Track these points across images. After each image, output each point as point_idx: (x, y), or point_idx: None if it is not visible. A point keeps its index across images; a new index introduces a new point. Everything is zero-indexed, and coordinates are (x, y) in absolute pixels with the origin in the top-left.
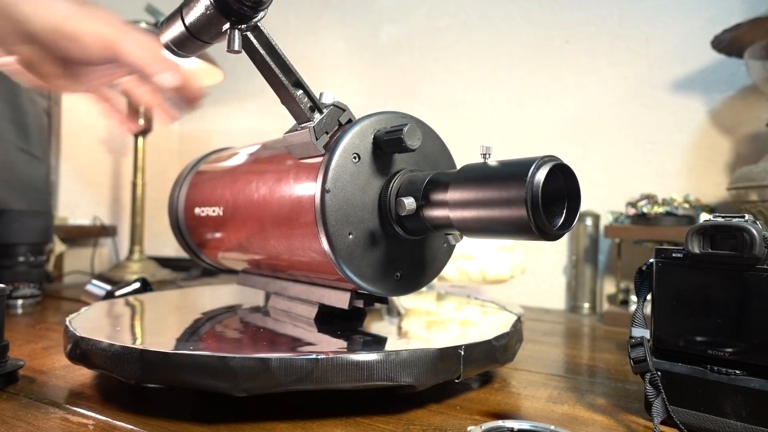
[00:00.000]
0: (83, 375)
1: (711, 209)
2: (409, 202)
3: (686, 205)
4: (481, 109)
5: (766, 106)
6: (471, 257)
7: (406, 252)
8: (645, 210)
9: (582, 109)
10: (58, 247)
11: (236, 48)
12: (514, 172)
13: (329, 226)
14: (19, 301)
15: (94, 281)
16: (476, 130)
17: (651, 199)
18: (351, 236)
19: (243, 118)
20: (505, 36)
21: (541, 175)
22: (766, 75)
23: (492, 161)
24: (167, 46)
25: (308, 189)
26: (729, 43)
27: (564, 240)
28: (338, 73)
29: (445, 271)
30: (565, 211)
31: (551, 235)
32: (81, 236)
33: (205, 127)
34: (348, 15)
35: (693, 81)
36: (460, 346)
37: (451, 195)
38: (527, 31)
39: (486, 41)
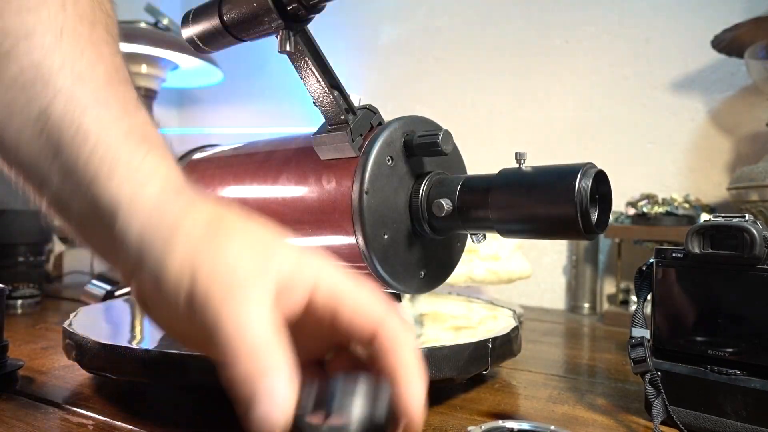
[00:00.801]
0: (82, 375)
1: (711, 209)
2: (447, 204)
3: (686, 205)
4: (481, 108)
5: (767, 106)
6: (497, 257)
7: (431, 251)
8: (645, 210)
9: (582, 109)
10: (58, 247)
11: (289, 49)
12: (562, 178)
13: (367, 227)
14: (19, 301)
15: (94, 281)
16: (476, 130)
17: (651, 199)
18: (386, 237)
19: (243, 118)
20: (505, 36)
21: (587, 182)
22: (766, 75)
23: (528, 167)
24: (191, 40)
25: (344, 190)
26: (729, 43)
27: (563, 240)
28: (338, 72)
29: (476, 273)
30: (598, 212)
31: (593, 234)
32: None
33: (204, 127)
34: (348, 15)
35: (693, 81)
36: (488, 339)
37: (494, 198)
38: (527, 31)
39: (486, 41)
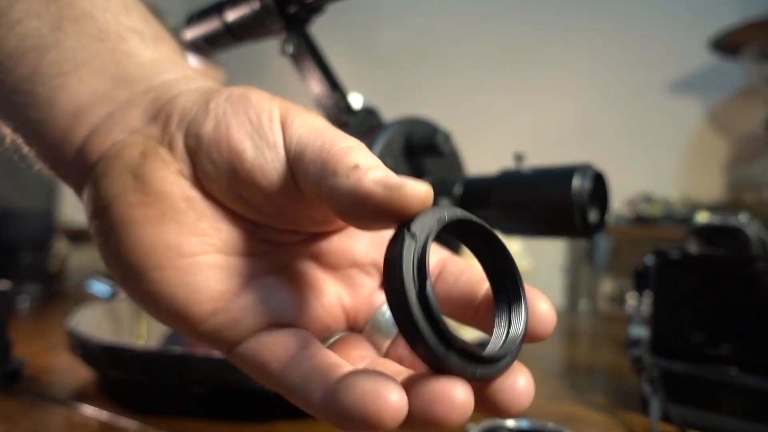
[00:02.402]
0: (86, 373)
1: (708, 209)
2: (445, 204)
3: (684, 206)
4: (481, 109)
5: (762, 108)
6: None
7: None
8: (643, 210)
9: (581, 110)
10: (62, 246)
11: (290, 51)
12: (560, 178)
13: None
14: (23, 300)
15: (99, 280)
16: (476, 131)
17: (649, 199)
18: None
19: None
20: (504, 37)
21: (585, 182)
22: (762, 77)
23: (527, 167)
24: (193, 42)
25: None
26: (726, 45)
27: (562, 239)
28: (339, 74)
29: None
30: (596, 212)
31: (591, 234)
32: (85, 236)
33: None
34: (348, 16)
35: (690, 82)
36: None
37: (494, 198)
38: (527, 32)
39: (485, 42)
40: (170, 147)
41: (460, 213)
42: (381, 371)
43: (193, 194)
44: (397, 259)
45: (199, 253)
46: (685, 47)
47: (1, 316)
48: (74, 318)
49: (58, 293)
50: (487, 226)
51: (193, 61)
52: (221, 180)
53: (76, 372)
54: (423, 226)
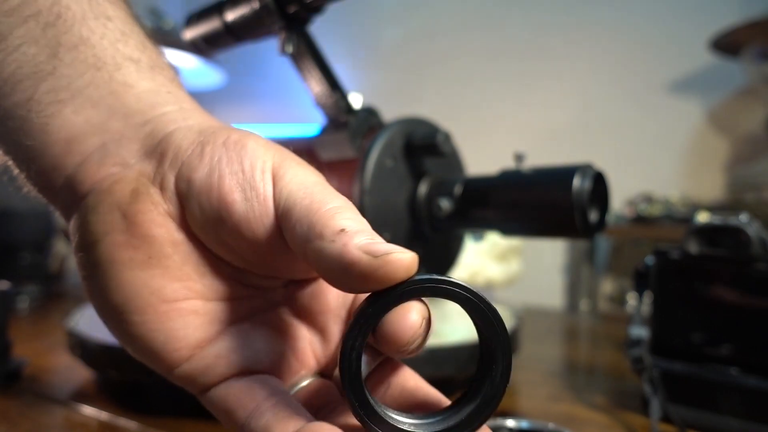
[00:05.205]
0: (86, 373)
1: (708, 209)
2: (446, 204)
3: (684, 206)
4: (481, 109)
5: (763, 108)
6: (505, 260)
7: (430, 250)
8: (643, 210)
9: (581, 109)
10: (62, 246)
11: (290, 51)
12: (560, 178)
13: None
14: (23, 300)
15: None
16: (476, 131)
17: (649, 199)
18: (387, 237)
19: (243, 118)
20: (504, 37)
21: (586, 182)
22: (762, 77)
23: (527, 168)
24: (193, 41)
25: (344, 191)
26: (726, 45)
27: (562, 239)
28: (339, 74)
29: (493, 276)
30: (596, 212)
31: (591, 234)
32: None
33: None
34: (349, 17)
35: (691, 82)
36: None
37: (494, 198)
38: (527, 32)
39: (486, 43)
40: (161, 187)
41: (435, 279)
42: (334, 427)
43: (180, 237)
44: (346, 337)
45: (181, 299)
46: (685, 47)
47: (1, 316)
48: (74, 318)
49: (58, 293)
50: (468, 292)
51: (192, 61)
52: (208, 226)
53: (76, 372)
54: (379, 308)
